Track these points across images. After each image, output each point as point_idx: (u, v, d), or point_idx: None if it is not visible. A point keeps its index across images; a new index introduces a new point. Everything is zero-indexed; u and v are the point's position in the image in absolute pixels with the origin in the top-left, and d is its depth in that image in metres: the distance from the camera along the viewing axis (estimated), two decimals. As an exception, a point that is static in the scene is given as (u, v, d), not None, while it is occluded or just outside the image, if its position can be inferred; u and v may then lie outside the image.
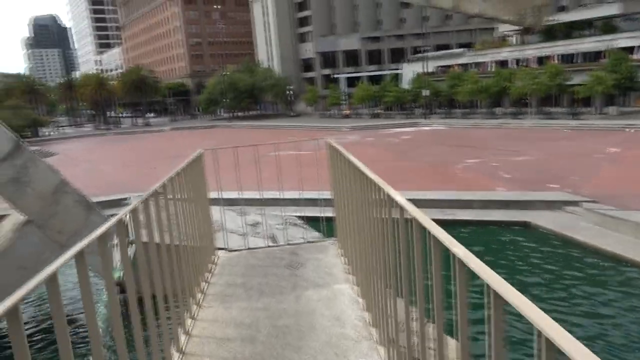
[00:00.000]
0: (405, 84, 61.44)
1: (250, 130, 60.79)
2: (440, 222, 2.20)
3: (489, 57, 57.98)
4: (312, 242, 6.73)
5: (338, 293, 4.91)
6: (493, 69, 54.13)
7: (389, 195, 2.97)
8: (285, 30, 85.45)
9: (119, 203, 21.48)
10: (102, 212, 11.36)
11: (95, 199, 21.49)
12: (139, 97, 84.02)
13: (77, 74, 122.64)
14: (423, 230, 2.35)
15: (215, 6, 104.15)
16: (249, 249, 6.61)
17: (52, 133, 73.70)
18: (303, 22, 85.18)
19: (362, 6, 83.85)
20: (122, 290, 7.53)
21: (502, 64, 54.83)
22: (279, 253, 6.34)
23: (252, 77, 78.66)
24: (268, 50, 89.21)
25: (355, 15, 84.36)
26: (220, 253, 6.47)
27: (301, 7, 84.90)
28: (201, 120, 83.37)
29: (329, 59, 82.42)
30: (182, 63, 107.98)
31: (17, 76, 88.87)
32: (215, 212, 9.72)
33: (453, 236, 2.03)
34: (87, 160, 40.12)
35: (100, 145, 54.66)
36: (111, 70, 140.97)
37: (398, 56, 75.17)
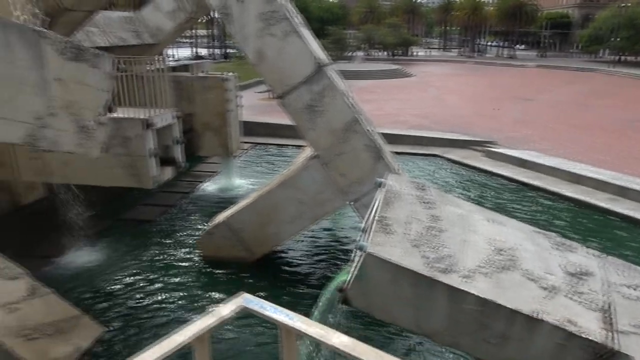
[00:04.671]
0: None
1: (637, 81, 47.17)
2: None
3: None
4: None
5: None
6: None
7: None
8: None
9: (439, 142, 19.48)
10: (392, 164, 9.24)
11: (414, 133, 20.16)
12: (511, 26, 77.54)
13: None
14: None
15: None
16: None
17: (417, 53, 77.26)
18: None
19: None
20: (345, 300, 4.73)
21: None
22: None
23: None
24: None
25: None
26: None
27: None
28: (576, 60, 70.88)
29: None
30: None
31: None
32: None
33: None
34: (437, 87, 39.56)
35: (456, 73, 53.58)
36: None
37: None
